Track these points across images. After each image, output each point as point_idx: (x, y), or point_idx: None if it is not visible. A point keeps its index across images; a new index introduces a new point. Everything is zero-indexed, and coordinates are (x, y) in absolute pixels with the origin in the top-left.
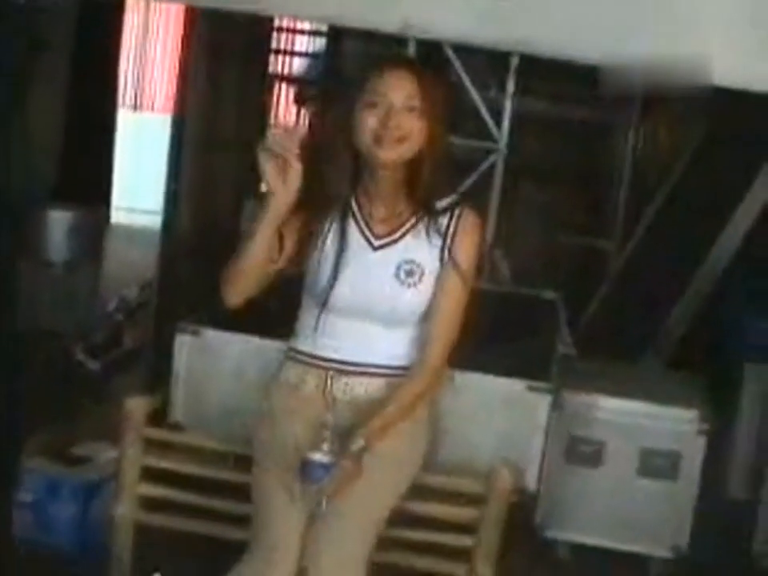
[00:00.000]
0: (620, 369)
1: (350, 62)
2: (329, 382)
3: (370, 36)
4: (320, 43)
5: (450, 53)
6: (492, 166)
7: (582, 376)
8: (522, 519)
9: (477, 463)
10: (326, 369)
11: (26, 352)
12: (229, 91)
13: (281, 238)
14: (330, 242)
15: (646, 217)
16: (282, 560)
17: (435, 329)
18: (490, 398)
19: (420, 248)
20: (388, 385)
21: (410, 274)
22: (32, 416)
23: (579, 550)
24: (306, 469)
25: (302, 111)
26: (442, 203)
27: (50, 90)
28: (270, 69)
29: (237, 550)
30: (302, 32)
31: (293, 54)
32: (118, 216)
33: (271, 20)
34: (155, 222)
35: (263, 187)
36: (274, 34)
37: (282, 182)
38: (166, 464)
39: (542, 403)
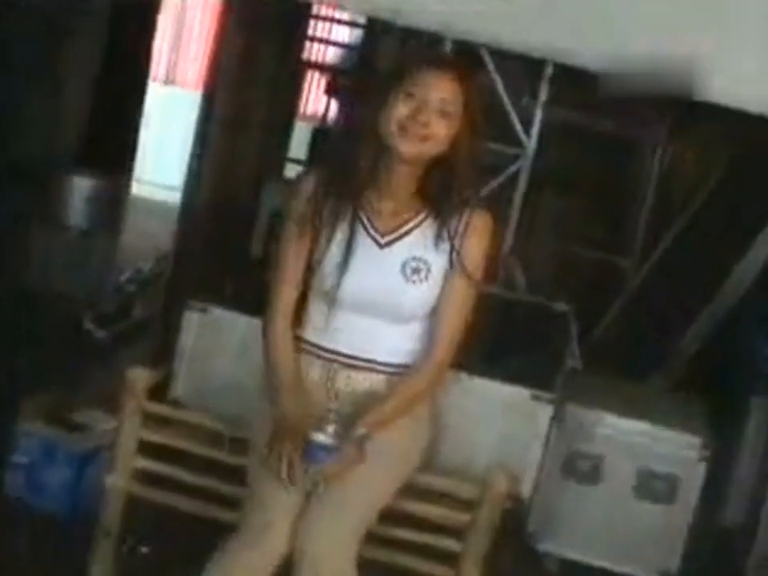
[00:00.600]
0: (626, 387)
1: (385, 56)
2: (332, 374)
3: (406, 32)
4: (356, 34)
5: (485, 55)
6: (517, 172)
7: (586, 390)
8: (514, 527)
9: (474, 467)
10: (331, 361)
11: (36, 314)
12: (261, 73)
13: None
14: (338, 237)
15: (667, 238)
16: (271, 540)
17: (441, 327)
18: (493, 402)
19: (427, 246)
20: (390, 381)
21: (415, 271)
22: (34, 379)
23: (568, 565)
24: (308, 449)
25: (331, 101)
26: (452, 205)
27: (82, 57)
28: (304, 55)
29: (224, 531)
30: (339, 21)
31: (328, 42)
32: (139, 188)
33: (309, 6)
34: (175, 197)
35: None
36: (311, 21)
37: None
38: (162, 439)
39: (543, 413)
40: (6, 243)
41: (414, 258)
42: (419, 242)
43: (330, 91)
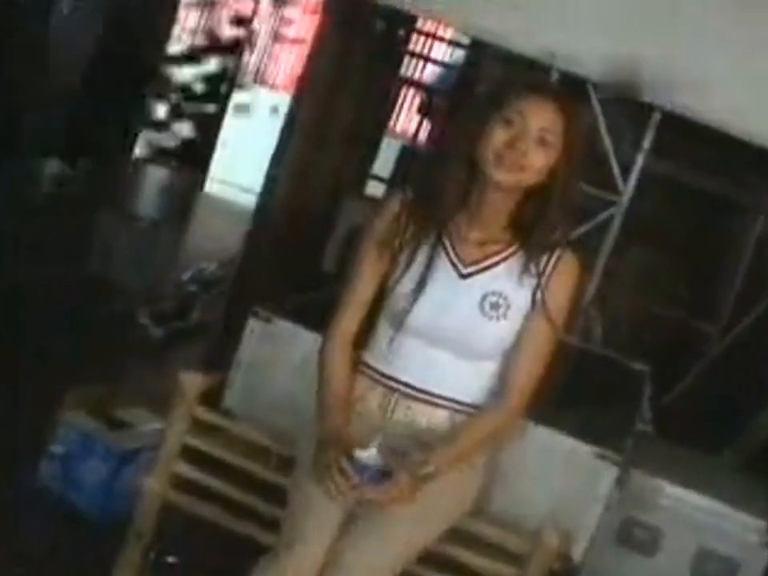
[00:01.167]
0: (695, 458)
1: (485, 80)
2: (392, 402)
3: (511, 58)
4: (458, 55)
5: (591, 92)
6: (609, 219)
7: (654, 457)
8: None
9: (527, 520)
10: (392, 389)
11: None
12: (354, 84)
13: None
14: (417, 261)
15: (757, 309)
16: (302, 558)
17: (517, 372)
18: (555, 455)
19: (510, 282)
20: (452, 419)
21: (494, 306)
22: (83, 369)
23: None
24: (349, 464)
25: (424, 121)
26: (543, 240)
27: None
28: (402, 70)
29: (257, 552)
30: (442, 39)
31: (427, 60)
32: (212, 186)
33: (413, 20)
34: (249, 200)
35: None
36: (413, 36)
37: None
38: (208, 447)
39: (606, 474)
40: (69, 226)
41: (494, 293)
42: (503, 276)
43: (424, 110)
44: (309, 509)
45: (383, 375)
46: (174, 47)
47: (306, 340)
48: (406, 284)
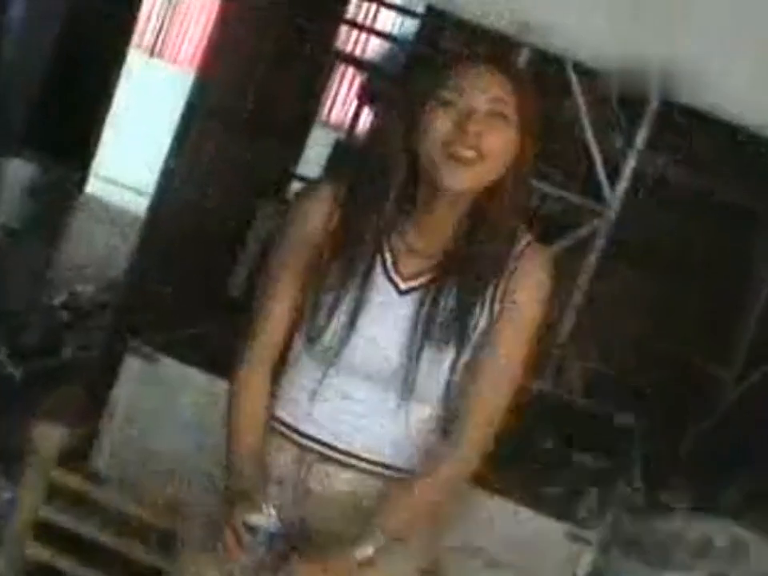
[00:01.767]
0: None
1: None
2: (304, 467)
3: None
4: (409, 25)
5: (572, 75)
6: (593, 234)
7: (643, 535)
8: None
9: None
10: (306, 449)
11: None
12: (275, 60)
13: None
14: (344, 280)
15: None
16: None
17: (471, 410)
18: (516, 533)
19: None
20: (384, 490)
21: (443, 327)
22: None
23: None
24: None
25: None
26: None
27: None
28: (337, 44)
29: None
30: (389, 6)
31: (371, 31)
32: (94, 186)
33: None
34: (139, 204)
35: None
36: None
37: None
38: (68, 523)
39: (581, 558)
40: None
41: (444, 310)
42: (455, 289)
43: (364, 96)
44: None
45: (295, 431)
46: None
47: (201, 384)
48: (332, 312)
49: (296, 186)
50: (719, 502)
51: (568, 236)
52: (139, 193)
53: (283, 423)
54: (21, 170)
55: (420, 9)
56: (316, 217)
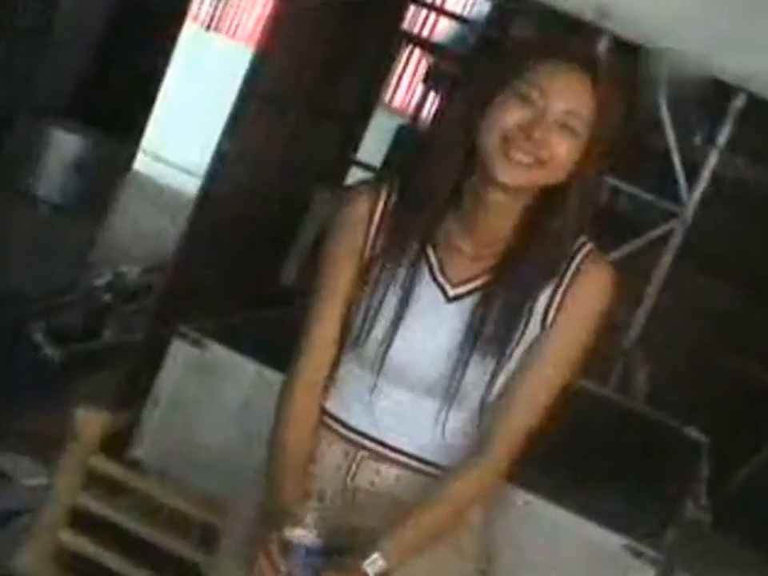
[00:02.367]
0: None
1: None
2: (354, 464)
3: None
4: (480, 7)
5: (653, 66)
6: (667, 236)
7: (708, 556)
8: None
9: None
10: (356, 446)
11: None
12: (338, 40)
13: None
14: (395, 281)
15: None
16: None
17: (507, 411)
18: (573, 547)
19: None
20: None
21: (492, 339)
22: None
23: None
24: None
25: (430, 94)
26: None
27: None
28: (403, 24)
29: None
30: None
31: (441, 11)
32: (143, 163)
33: None
34: (190, 184)
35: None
36: None
37: None
38: (105, 512)
39: (639, 573)
40: None
41: (492, 321)
42: (502, 298)
43: (430, 79)
44: None
45: (345, 426)
46: None
47: (251, 374)
48: (383, 311)
49: (355, 171)
50: None
51: (640, 237)
52: (190, 173)
53: (334, 418)
54: (67, 143)
55: None
56: (360, 215)
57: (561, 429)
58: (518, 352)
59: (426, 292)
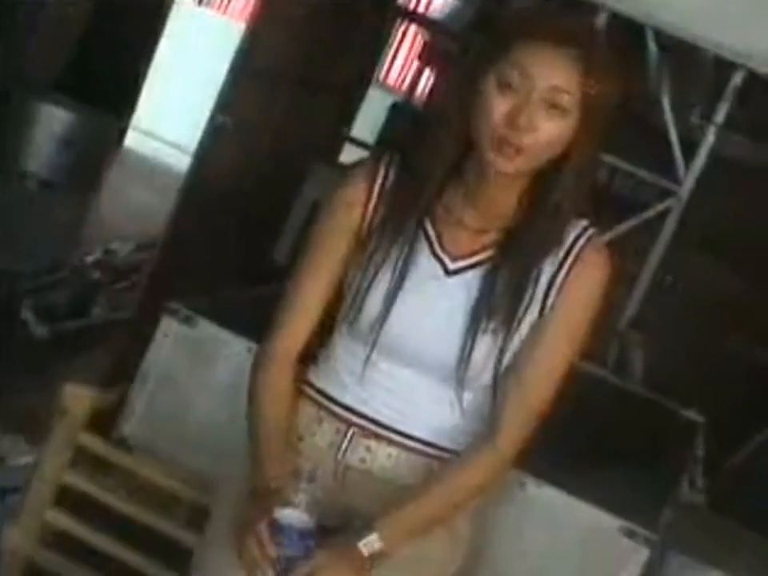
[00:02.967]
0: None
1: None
2: (345, 441)
3: None
4: None
5: (651, 44)
6: (663, 214)
7: (702, 537)
8: None
9: None
10: (348, 423)
11: None
12: (332, 15)
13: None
14: (392, 253)
15: None
16: None
17: (511, 402)
18: (567, 527)
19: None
20: (427, 470)
21: (492, 313)
22: None
23: None
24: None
25: (425, 71)
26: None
27: None
28: (400, 0)
29: None
30: None
31: None
32: (133, 139)
33: None
34: (181, 160)
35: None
36: None
37: None
38: (93, 490)
39: (635, 556)
40: None
41: (492, 295)
42: (506, 273)
43: (426, 56)
44: None
45: (336, 403)
46: None
47: (241, 351)
48: (379, 285)
49: (349, 148)
50: None
51: (637, 215)
52: (181, 149)
53: (326, 396)
54: (56, 118)
55: None
56: (358, 190)
57: (557, 410)
58: (523, 330)
59: (426, 266)
